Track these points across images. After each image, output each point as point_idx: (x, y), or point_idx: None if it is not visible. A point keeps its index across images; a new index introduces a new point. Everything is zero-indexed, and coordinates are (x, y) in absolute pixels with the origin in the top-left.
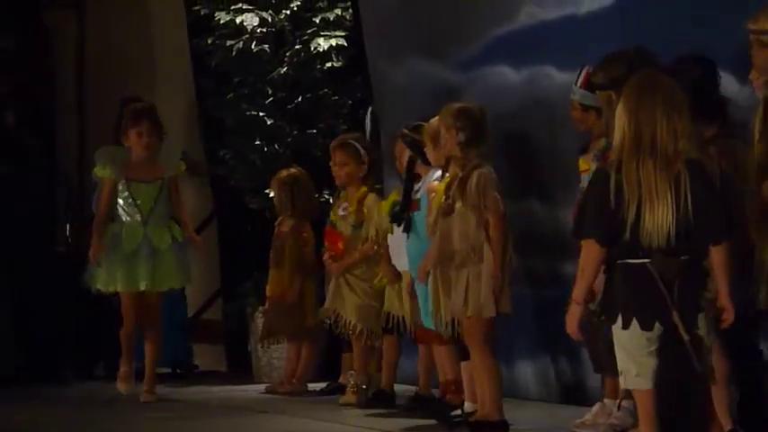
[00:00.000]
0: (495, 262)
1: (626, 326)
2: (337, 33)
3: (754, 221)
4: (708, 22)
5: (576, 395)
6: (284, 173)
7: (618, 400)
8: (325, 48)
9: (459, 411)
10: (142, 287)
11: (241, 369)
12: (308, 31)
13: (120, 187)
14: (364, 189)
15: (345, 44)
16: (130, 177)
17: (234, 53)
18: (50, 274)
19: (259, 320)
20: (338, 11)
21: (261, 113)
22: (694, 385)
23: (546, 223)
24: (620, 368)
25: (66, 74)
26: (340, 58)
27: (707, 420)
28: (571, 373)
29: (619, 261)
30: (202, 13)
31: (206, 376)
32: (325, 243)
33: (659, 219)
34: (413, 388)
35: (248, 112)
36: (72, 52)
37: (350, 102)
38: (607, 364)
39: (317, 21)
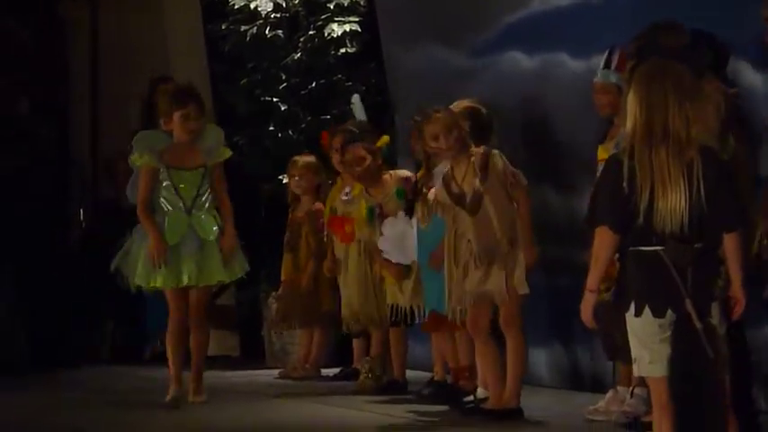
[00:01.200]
0: (528, 237)
1: (638, 313)
2: (351, 19)
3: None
4: (723, 8)
5: (589, 382)
6: (305, 158)
7: (631, 388)
8: (339, 33)
9: (471, 397)
10: (185, 281)
11: (254, 354)
12: (322, 17)
13: (162, 175)
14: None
15: (359, 30)
16: (172, 164)
17: (248, 38)
18: (64, 262)
19: (273, 306)
20: None
21: (275, 99)
22: (707, 374)
23: (559, 211)
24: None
25: (81, 63)
26: (354, 43)
27: (721, 409)
28: (584, 361)
29: (631, 248)
30: None
31: (219, 361)
32: (328, 230)
33: (672, 205)
34: (426, 374)
35: (262, 98)
36: (86, 41)
37: (364, 88)
38: (620, 352)
39: (331, 6)
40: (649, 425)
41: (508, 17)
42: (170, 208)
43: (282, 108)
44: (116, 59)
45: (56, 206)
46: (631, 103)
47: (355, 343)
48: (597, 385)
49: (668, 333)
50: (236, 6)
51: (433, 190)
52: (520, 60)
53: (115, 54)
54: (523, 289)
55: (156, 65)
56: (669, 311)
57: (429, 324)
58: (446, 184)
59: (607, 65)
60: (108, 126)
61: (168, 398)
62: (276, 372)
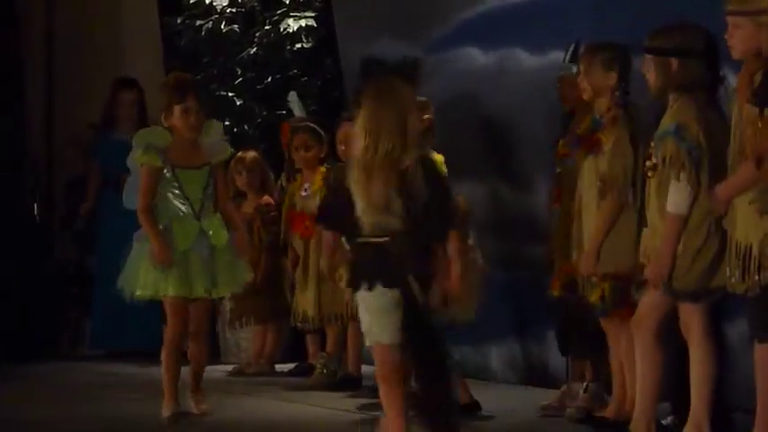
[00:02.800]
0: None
1: (371, 288)
2: (307, 14)
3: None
4: (678, 6)
5: (543, 378)
6: (251, 153)
7: (585, 383)
8: (295, 28)
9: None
10: (201, 292)
11: (208, 350)
12: (278, 12)
13: (166, 175)
14: (323, 168)
15: (315, 25)
16: (177, 163)
17: (203, 33)
18: (17, 253)
19: (227, 302)
20: None
21: (230, 94)
22: (428, 340)
23: (514, 207)
24: (363, 329)
25: (36, 58)
26: (310, 38)
27: (445, 370)
28: (538, 356)
29: (360, 240)
30: None
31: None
32: (286, 226)
33: (391, 208)
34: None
35: (217, 93)
36: (41, 35)
37: (319, 83)
38: (574, 347)
39: (287, 1)
40: (602, 420)
41: (464, 13)
42: (181, 211)
43: (238, 103)
44: (71, 54)
45: (10, 200)
46: (360, 118)
47: (309, 339)
48: (551, 380)
49: (394, 307)
50: (191, 1)
51: None
52: (476, 56)
53: (70, 48)
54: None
55: (112, 59)
56: (395, 288)
57: None
58: None
59: (573, 58)
60: (63, 121)
61: (167, 415)
62: (230, 367)
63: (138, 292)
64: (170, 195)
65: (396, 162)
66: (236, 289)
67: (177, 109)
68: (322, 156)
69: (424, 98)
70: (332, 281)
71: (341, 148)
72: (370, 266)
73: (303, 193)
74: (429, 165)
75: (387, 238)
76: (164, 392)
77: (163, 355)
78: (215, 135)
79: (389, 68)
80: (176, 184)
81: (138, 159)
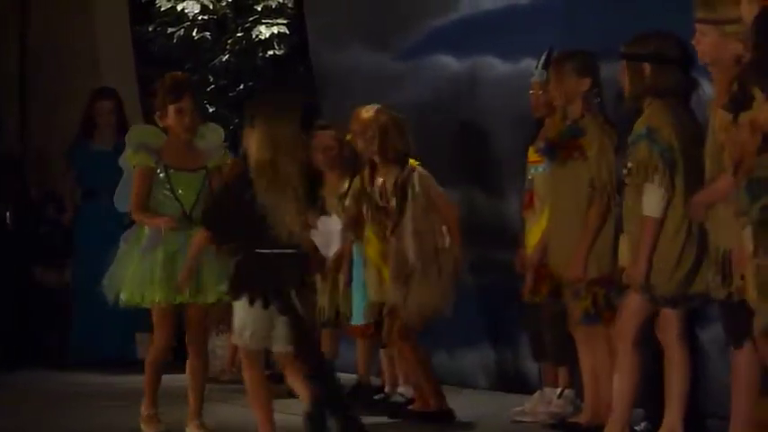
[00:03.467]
0: (458, 256)
1: (252, 301)
2: (279, 21)
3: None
4: (649, 14)
5: (518, 383)
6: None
7: (559, 389)
8: (267, 35)
9: (382, 395)
10: (186, 297)
11: (182, 357)
12: (250, 19)
13: (159, 176)
14: None
15: (287, 32)
16: (171, 164)
17: (175, 40)
18: None
19: None
20: None
21: (202, 101)
22: (306, 338)
23: (487, 212)
24: (238, 329)
25: (9, 63)
26: (282, 46)
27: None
28: (512, 362)
29: (256, 251)
30: (144, 0)
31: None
32: None
33: (287, 221)
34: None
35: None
36: (15, 41)
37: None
38: (547, 353)
39: (259, 8)
40: (576, 426)
41: (437, 20)
42: (170, 214)
43: (210, 110)
44: (45, 62)
45: None
46: (254, 138)
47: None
48: (526, 386)
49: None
50: (162, 8)
51: None
52: (448, 63)
53: (44, 57)
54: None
55: (85, 66)
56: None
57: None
58: (377, 195)
59: (546, 65)
60: (37, 126)
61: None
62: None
63: (123, 297)
64: (161, 197)
65: None
66: (222, 296)
67: (172, 109)
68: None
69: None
70: None
71: (318, 156)
72: (267, 277)
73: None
74: None
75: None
76: (144, 401)
77: (146, 364)
78: (215, 139)
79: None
80: (168, 186)
81: (128, 159)
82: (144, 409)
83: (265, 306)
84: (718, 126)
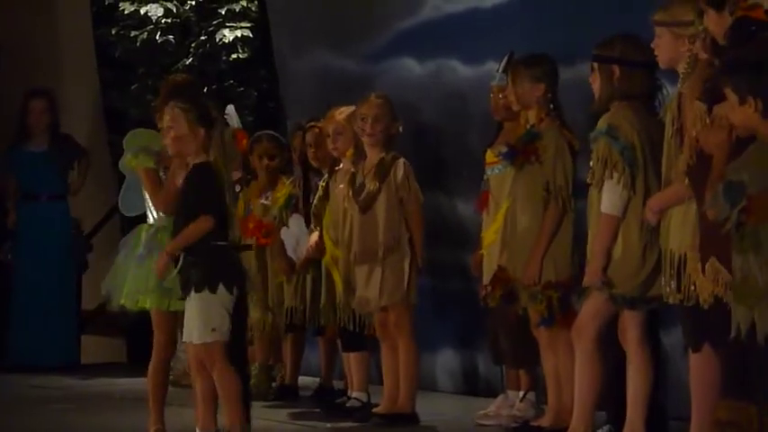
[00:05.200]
0: (418, 250)
1: (231, 291)
2: (243, 24)
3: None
4: (608, 18)
5: (483, 387)
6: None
7: (522, 392)
8: (231, 39)
9: (344, 398)
10: (175, 305)
11: (141, 361)
12: (214, 22)
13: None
14: (284, 178)
15: (251, 35)
16: (170, 166)
17: (138, 44)
18: None
19: None
20: (244, 2)
21: None
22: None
23: (449, 215)
24: (215, 325)
25: None
26: (245, 49)
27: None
28: (476, 365)
29: (220, 243)
30: (106, 3)
31: (106, 368)
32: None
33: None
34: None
35: (153, 104)
36: None
37: (255, 93)
38: (507, 357)
39: (223, 12)
40: (539, 429)
41: (400, 23)
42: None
43: None
44: (8, 67)
45: None
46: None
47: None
48: (491, 390)
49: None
50: (125, 12)
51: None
52: (412, 66)
53: (7, 61)
54: (410, 297)
55: (48, 70)
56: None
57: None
58: (352, 175)
59: (506, 69)
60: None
61: None
62: None
63: (123, 301)
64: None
65: None
66: None
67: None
68: (284, 164)
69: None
70: None
71: (311, 151)
72: (239, 269)
73: (263, 201)
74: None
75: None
76: (149, 413)
77: (149, 372)
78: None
79: None
80: None
81: (128, 163)
82: (150, 426)
83: (241, 297)
84: (690, 122)
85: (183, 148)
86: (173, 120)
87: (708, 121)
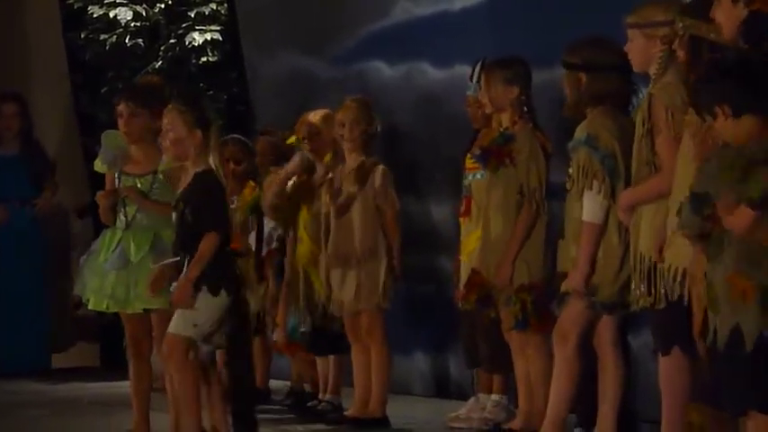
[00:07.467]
0: (396, 258)
1: (217, 293)
2: (212, 28)
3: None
4: (577, 21)
5: (454, 390)
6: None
7: (494, 395)
8: (201, 42)
9: (316, 401)
10: (111, 306)
11: (115, 365)
12: (183, 26)
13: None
14: (251, 183)
15: (221, 38)
16: (124, 170)
17: (107, 47)
18: None
19: None
20: (213, 5)
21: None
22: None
23: (421, 219)
24: (216, 329)
25: None
26: (215, 52)
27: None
28: (447, 368)
29: (225, 250)
30: (75, 7)
31: (80, 372)
32: None
33: None
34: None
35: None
36: None
37: (225, 96)
38: (480, 360)
39: (192, 15)
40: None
41: (370, 26)
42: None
43: None
44: None
45: None
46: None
47: (218, 354)
48: (462, 393)
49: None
50: (94, 15)
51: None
52: (382, 69)
53: None
54: (384, 302)
55: (17, 73)
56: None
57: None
58: (331, 180)
59: (478, 78)
60: None
61: None
62: None
63: (91, 304)
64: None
65: None
66: (152, 305)
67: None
68: (250, 169)
69: None
70: None
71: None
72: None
73: (230, 206)
74: None
75: None
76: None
77: (131, 383)
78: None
79: None
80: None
81: (95, 167)
82: (134, 427)
83: (241, 303)
84: (688, 131)
85: (182, 152)
86: (171, 122)
87: (707, 132)
